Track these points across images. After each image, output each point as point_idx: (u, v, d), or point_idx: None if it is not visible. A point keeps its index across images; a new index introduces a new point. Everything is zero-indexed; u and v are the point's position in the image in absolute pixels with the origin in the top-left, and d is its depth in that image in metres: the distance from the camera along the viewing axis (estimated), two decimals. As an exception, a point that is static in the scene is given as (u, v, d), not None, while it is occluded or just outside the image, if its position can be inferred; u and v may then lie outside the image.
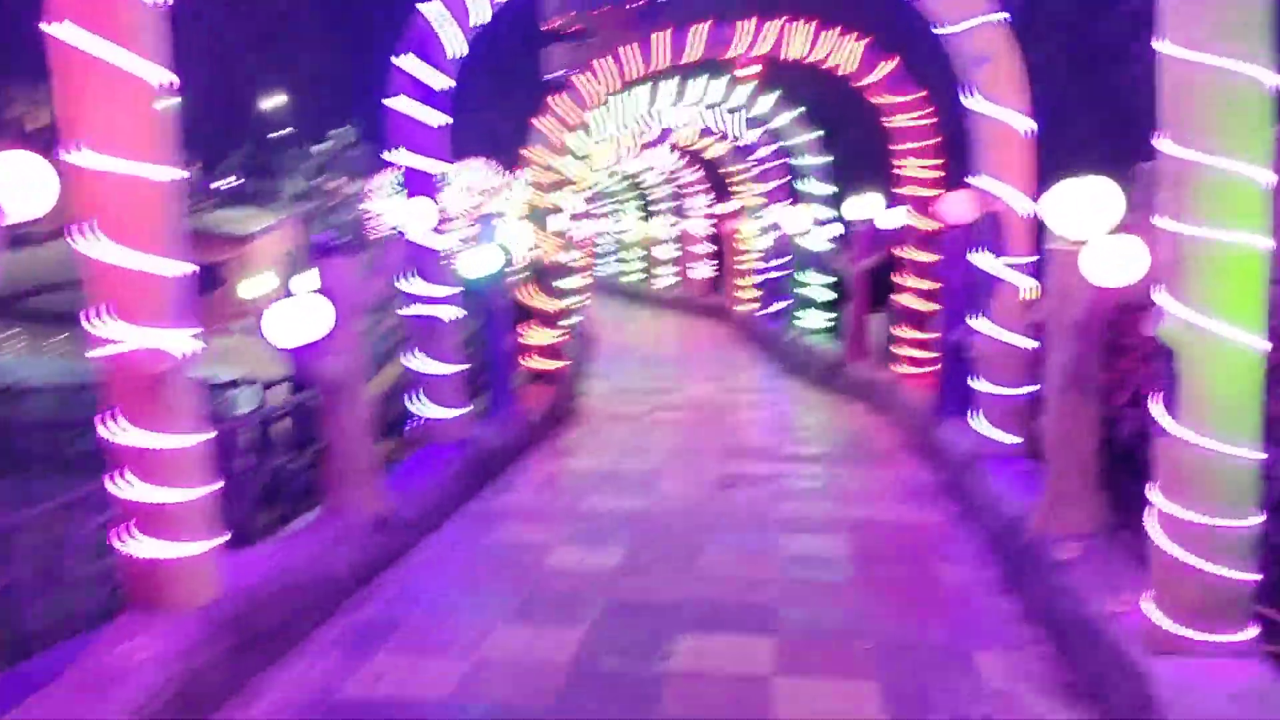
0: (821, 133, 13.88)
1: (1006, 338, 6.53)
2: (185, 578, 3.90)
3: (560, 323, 11.16)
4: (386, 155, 6.98)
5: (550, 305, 10.29)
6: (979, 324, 6.68)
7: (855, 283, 11.77)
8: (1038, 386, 5.89)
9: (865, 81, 10.04)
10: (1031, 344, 6.31)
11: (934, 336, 9.84)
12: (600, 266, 31.61)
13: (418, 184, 6.83)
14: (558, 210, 12.99)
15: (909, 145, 10.15)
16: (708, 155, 19.26)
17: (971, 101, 6.60)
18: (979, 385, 6.73)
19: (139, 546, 3.81)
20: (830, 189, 13.71)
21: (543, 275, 10.19)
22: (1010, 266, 6.44)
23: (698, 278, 23.44)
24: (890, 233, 10.96)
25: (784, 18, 10.47)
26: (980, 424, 6.72)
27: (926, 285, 10.02)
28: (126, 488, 3.72)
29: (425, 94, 6.81)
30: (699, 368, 14.75)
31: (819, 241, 13.47)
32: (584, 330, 16.38)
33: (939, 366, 8.33)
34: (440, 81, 6.87)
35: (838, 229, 12.62)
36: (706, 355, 16.34)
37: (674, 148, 21.87)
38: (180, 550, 3.86)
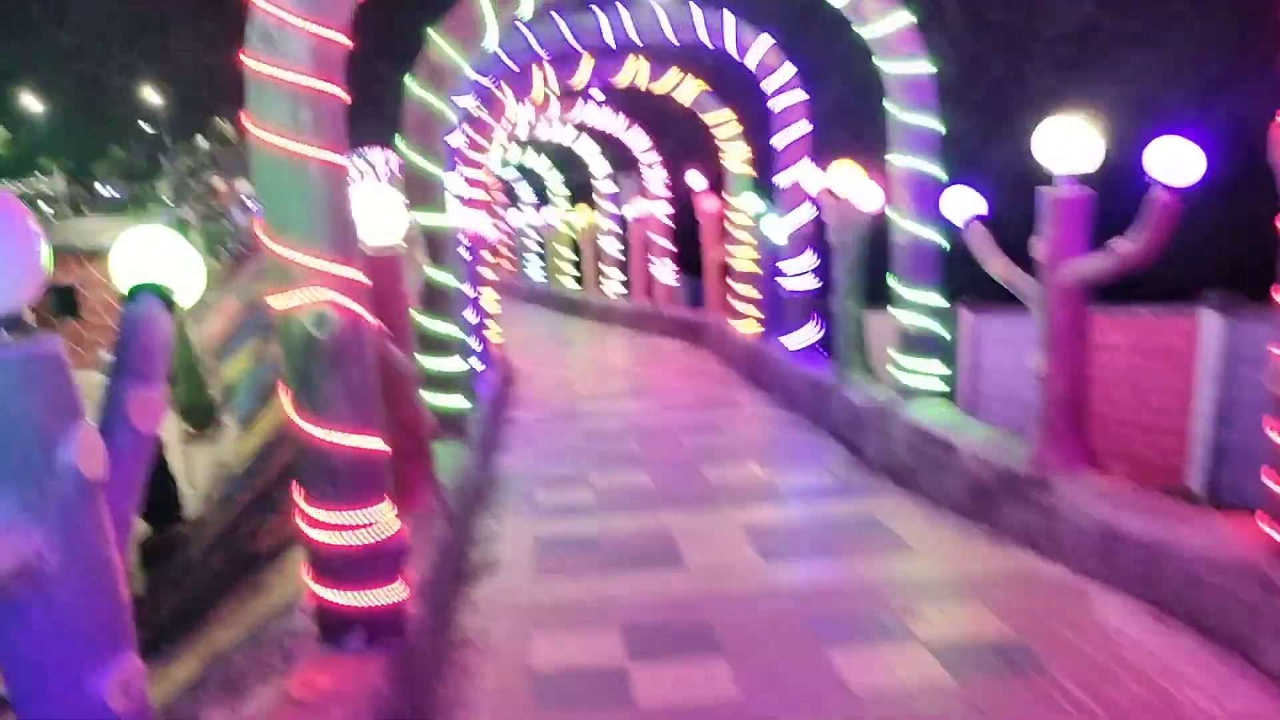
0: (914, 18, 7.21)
1: None
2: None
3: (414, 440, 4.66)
4: None
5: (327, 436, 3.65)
6: None
7: (1055, 304, 5.40)
8: None
9: None
10: None
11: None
12: (523, 270, 25.05)
13: None
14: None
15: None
16: (677, 96, 12.70)
17: None
18: None
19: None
20: (932, 122, 7.06)
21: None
22: None
23: (659, 283, 16.92)
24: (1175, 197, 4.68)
25: None
26: None
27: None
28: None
29: None
30: (700, 458, 8.21)
31: (921, 222, 7.00)
32: (494, 395, 9.79)
33: None
34: None
35: (970, 199, 6.13)
36: (701, 422, 9.80)
37: (606, 102, 15.36)
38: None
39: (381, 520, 3.64)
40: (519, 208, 24.55)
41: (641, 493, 7.33)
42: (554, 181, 21.72)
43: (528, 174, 22.48)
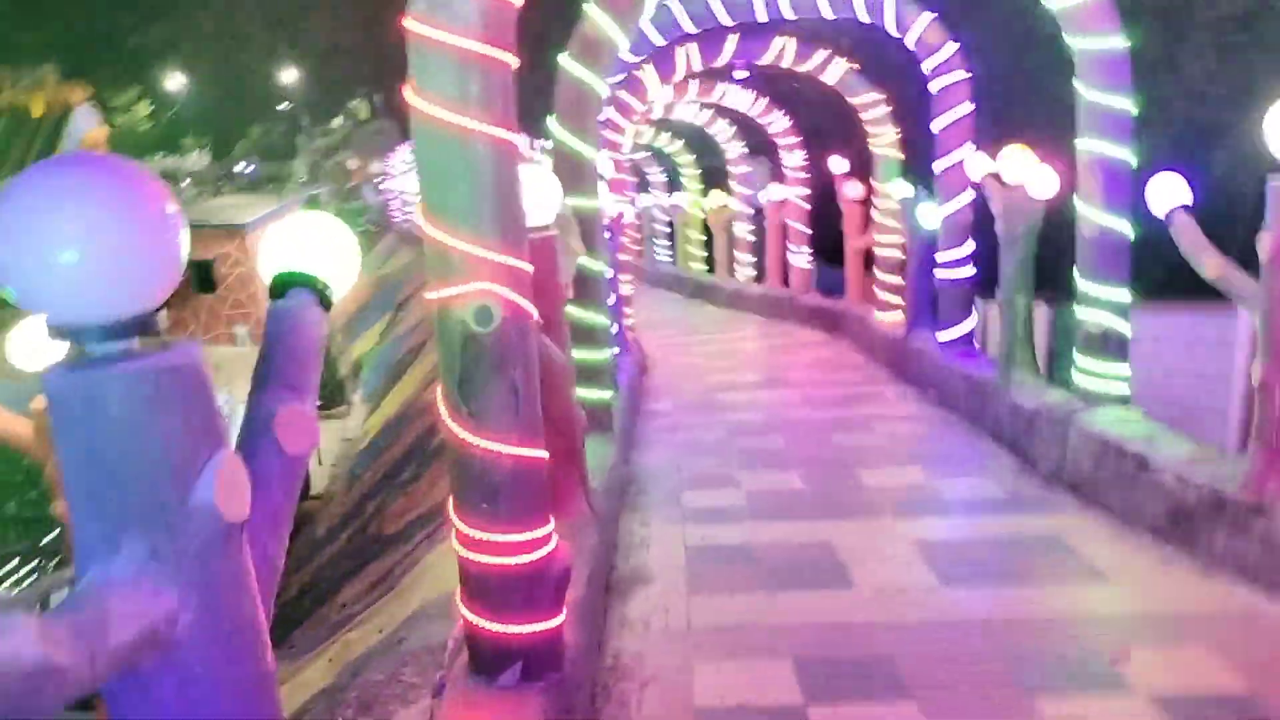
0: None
1: None
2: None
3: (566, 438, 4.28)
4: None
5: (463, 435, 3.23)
6: None
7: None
8: None
9: None
10: None
11: None
12: (651, 253, 24.68)
13: None
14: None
15: None
16: (822, 77, 12.10)
17: None
18: None
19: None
20: (1125, 104, 6.31)
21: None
22: None
23: (793, 269, 16.34)
24: None
25: None
26: None
27: None
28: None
29: None
30: (853, 459, 7.67)
31: (1111, 212, 6.30)
32: (632, 385, 9.41)
33: None
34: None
35: (1174, 187, 5.43)
36: (849, 418, 9.23)
37: (746, 82, 14.86)
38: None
39: (545, 541, 3.25)
40: (648, 189, 24.17)
41: (795, 497, 6.84)
42: (685, 163, 21.25)
43: (658, 155, 22.06)
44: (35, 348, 5.50)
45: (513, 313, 3.07)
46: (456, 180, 3.01)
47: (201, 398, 1.66)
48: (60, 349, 5.14)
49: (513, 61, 3.08)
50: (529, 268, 3.12)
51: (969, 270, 9.21)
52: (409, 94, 3.02)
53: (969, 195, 8.97)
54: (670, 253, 23.70)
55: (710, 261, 20.81)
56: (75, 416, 1.57)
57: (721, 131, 17.58)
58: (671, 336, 15.44)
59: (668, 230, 23.86)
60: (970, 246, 9.17)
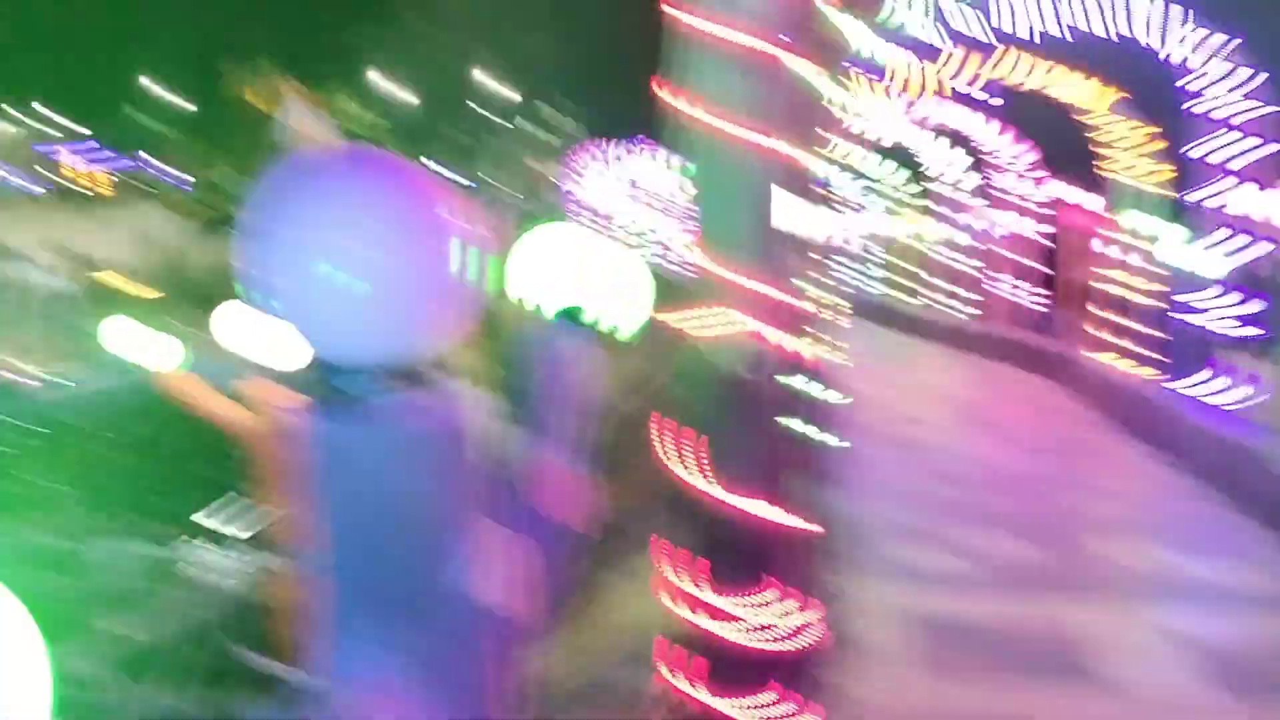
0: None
1: None
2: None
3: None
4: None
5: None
6: None
7: None
8: None
9: None
10: None
11: None
12: (854, 281, 23.75)
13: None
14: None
15: None
16: (1065, 98, 11.23)
17: None
18: None
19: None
20: None
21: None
22: None
23: (1013, 303, 15.36)
24: None
25: None
26: None
27: None
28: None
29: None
30: (1080, 524, 6.88)
31: None
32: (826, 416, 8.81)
33: None
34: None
35: None
36: (1072, 475, 8.39)
37: (967, 99, 13.94)
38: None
39: (804, 627, 2.78)
40: (837, 209, 23.32)
41: (1018, 566, 6.12)
42: (887, 183, 20.37)
43: (866, 175, 21.19)
44: (245, 329, 5.34)
45: (783, 356, 2.62)
46: (727, 199, 2.59)
47: (464, 460, 1.28)
48: (280, 342, 4.96)
49: (804, 64, 2.64)
50: (806, 307, 2.67)
51: (1245, 325, 8.24)
52: (674, 96, 2.61)
53: (1247, 239, 8.04)
54: (878, 283, 22.74)
55: (923, 294, 19.79)
56: (326, 470, 1.21)
57: (941, 153, 16.71)
58: (876, 372, 14.68)
59: (876, 258, 22.92)
60: (1248, 297, 8.21)
